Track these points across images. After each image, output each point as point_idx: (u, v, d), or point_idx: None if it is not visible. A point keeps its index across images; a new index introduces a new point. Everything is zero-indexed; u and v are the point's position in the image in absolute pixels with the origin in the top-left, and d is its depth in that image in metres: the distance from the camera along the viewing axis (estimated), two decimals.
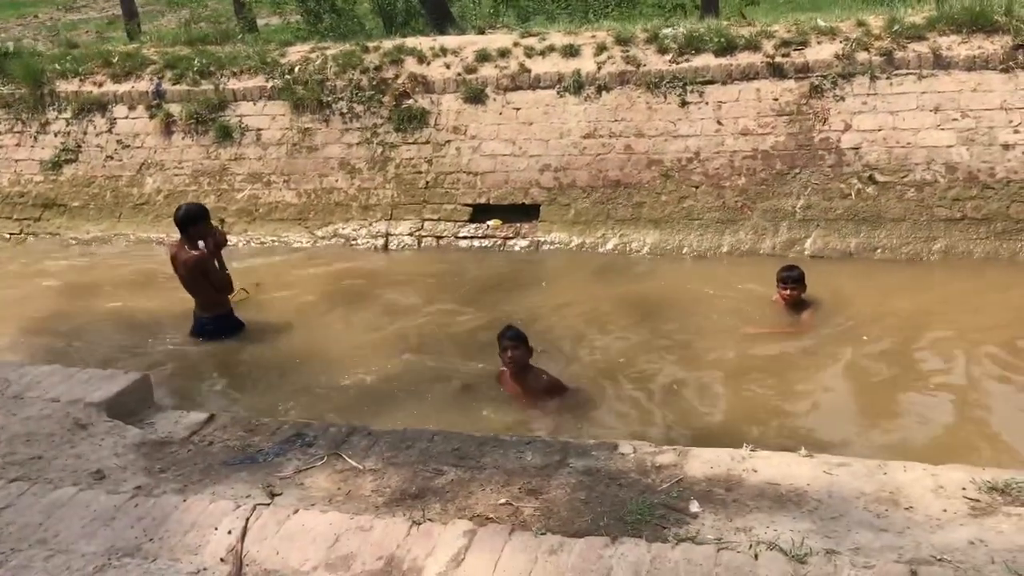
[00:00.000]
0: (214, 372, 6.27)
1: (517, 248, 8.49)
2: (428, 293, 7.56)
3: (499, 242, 8.57)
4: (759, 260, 7.69)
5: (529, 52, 9.18)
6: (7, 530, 3.12)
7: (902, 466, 3.39)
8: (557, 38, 9.30)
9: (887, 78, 8.02)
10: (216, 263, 6.66)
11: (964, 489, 3.19)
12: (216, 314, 6.71)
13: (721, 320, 6.59)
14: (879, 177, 7.78)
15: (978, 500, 3.12)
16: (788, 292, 6.42)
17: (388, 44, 9.87)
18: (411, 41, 9.92)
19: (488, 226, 8.66)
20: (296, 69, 9.77)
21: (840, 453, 3.94)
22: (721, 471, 3.38)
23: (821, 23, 8.57)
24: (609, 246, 8.26)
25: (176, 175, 9.75)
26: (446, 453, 3.66)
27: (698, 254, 7.99)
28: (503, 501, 3.26)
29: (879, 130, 7.90)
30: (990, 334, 6.01)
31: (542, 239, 8.45)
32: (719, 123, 8.29)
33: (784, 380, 5.70)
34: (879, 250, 7.62)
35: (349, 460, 3.62)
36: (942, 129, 7.77)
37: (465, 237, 8.67)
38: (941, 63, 7.94)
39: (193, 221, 6.54)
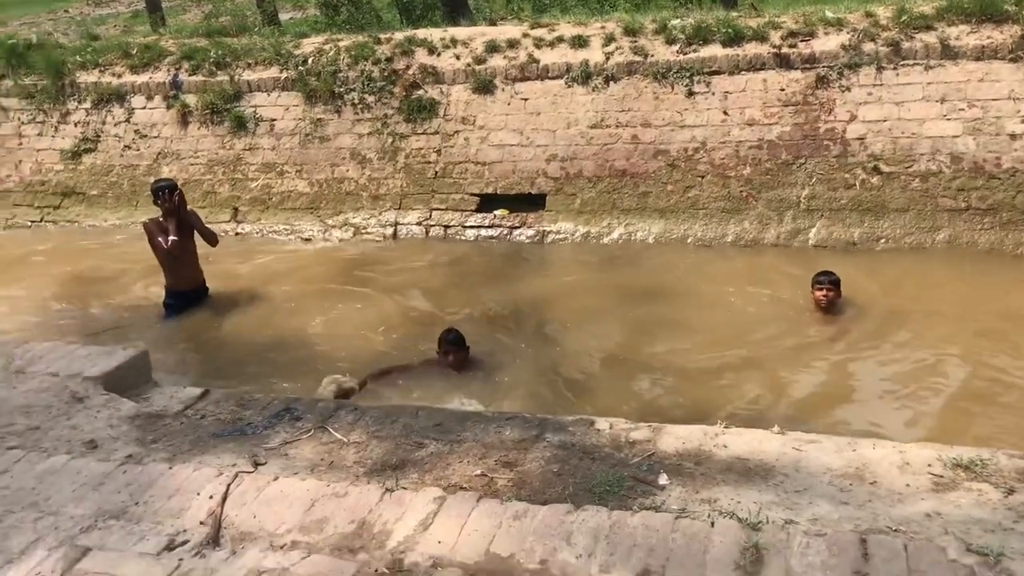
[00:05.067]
0: (211, 351, 6.39)
1: (523, 238, 8.56)
2: (431, 282, 7.66)
3: (505, 232, 8.65)
4: (763, 250, 7.74)
5: (538, 43, 9.24)
6: (2, 494, 3.26)
7: (872, 443, 3.45)
8: (566, 29, 9.36)
9: (893, 68, 8.00)
10: (163, 233, 6.86)
11: (930, 466, 3.24)
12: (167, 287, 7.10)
13: (725, 308, 6.63)
14: (884, 167, 7.78)
15: (942, 476, 3.17)
16: (823, 294, 6.27)
17: (399, 36, 9.97)
18: (422, 32, 10.02)
19: (495, 216, 8.75)
20: (309, 60, 9.91)
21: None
22: (693, 446, 3.46)
23: (829, 14, 8.56)
24: (614, 235, 8.32)
25: (192, 164, 9.92)
26: (428, 428, 3.76)
27: (703, 243, 8.03)
28: (478, 472, 3.36)
29: (884, 120, 7.90)
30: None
31: (548, 229, 8.52)
32: (725, 113, 8.32)
33: (794, 366, 5.73)
34: (883, 240, 7.62)
35: (335, 433, 3.73)
36: (948, 119, 7.75)
37: (472, 227, 8.76)
38: (949, 53, 7.91)
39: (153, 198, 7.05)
